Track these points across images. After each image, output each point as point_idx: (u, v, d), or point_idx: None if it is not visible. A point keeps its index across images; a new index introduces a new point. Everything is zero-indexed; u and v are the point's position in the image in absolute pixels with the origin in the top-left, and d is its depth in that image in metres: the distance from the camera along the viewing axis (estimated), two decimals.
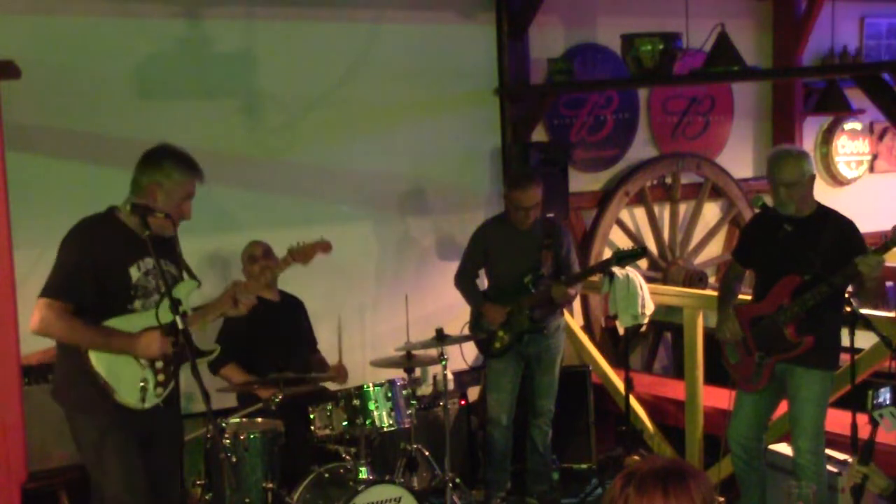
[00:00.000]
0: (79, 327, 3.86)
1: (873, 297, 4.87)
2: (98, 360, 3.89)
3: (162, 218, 3.93)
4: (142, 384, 3.94)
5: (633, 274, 6.04)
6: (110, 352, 3.89)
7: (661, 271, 7.60)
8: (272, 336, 5.42)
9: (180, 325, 3.71)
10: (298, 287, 5.72)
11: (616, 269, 5.98)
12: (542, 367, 5.82)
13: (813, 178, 4.74)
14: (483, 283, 6.05)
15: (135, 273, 3.99)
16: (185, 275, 4.15)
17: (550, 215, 6.01)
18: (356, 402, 4.93)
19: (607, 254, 7.31)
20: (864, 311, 4.62)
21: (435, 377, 6.30)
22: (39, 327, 3.87)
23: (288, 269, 4.61)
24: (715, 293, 5.43)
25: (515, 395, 5.85)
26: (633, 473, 2.25)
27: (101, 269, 3.91)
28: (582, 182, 7.30)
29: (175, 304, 3.73)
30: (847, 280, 4.57)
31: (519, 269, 5.70)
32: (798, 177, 4.69)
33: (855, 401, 4.37)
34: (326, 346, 5.88)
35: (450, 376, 5.78)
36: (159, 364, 4.00)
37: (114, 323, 3.92)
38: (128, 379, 3.93)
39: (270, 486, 4.75)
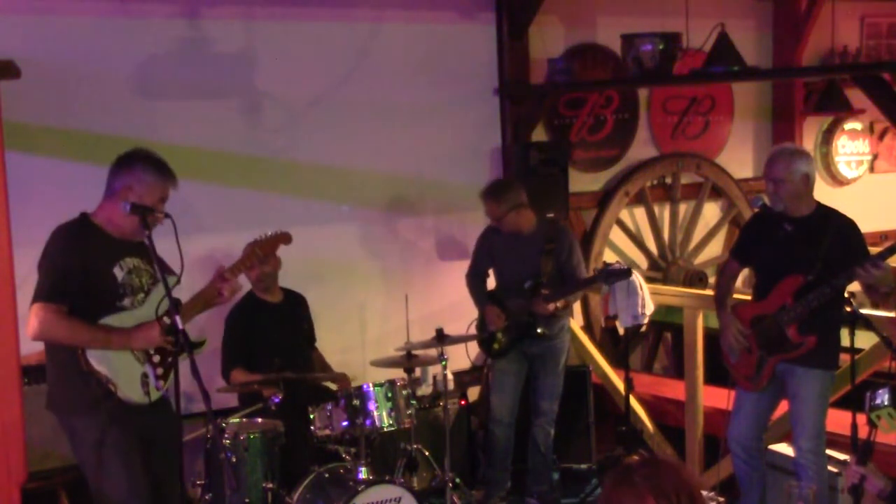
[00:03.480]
0: (78, 327, 3.88)
1: (884, 299, 4.85)
2: (98, 360, 3.90)
3: (161, 218, 3.94)
4: (143, 378, 3.96)
5: (633, 274, 6.03)
6: (110, 349, 3.91)
7: (661, 271, 7.60)
8: (273, 338, 5.42)
9: (180, 325, 3.73)
10: (298, 287, 5.73)
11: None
12: (545, 368, 5.80)
13: (806, 177, 4.69)
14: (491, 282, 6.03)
15: (119, 273, 4.03)
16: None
17: (551, 215, 6.00)
18: (356, 402, 4.93)
19: (607, 254, 7.33)
20: (864, 311, 4.62)
21: (435, 377, 6.30)
22: (39, 331, 3.88)
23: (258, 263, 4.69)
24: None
25: (518, 396, 5.85)
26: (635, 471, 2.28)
27: (88, 270, 3.95)
28: (582, 182, 7.30)
29: (174, 303, 3.76)
30: (850, 281, 4.57)
31: (521, 273, 5.67)
32: (785, 174, 4.67)
33: (855, 401, 4.38)
34: (327, 346, 5.89)
35: (450, 376, 5.78)
36: (157, 358, 4.03)
37: (107, 322, 3.95)
38: (129, 375, 3.96)
39: (270, 486, 4.75)
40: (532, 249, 5.66)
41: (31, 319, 3.88)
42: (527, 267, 5.65)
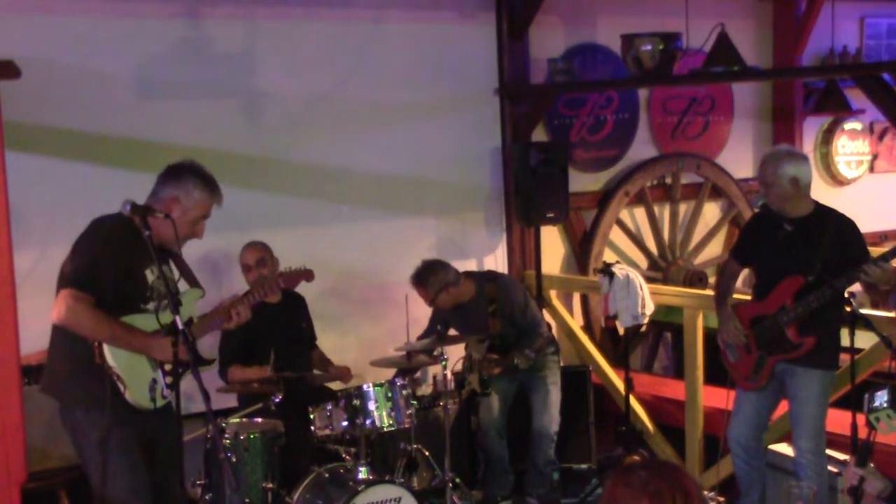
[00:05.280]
0: (104, 321, 3.85)
1: (884, 298, 4.87)
2: (114, 357, 3.88)
3: (161, 218, 3.93)
4: (151, 384, 3.96)
5: (633, 274, 6.04)
6: (129, 349, 3.90)
7: (661, 271, 7.60)
8: (272, 338, 5.42)
9: (180, 326, 3.71)
10: (298, 287, 5.71)
11: (616, 269, 5.99)
12: (532, 383, 5.88)
13: (795, 180, 4.68)
14: None
15: (149, 275, 4.02)
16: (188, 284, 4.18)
17: (490, 270, 6.12)
18: (356, 402, 4.94)
19: (607, 254, 7.33)
20: (864, 311, 4.62)
21: (435, 377, 6.30)
22: (65, 316, 3.84)
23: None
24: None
25: (508, 402, 5.89)
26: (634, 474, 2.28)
27: (122, 267, 3.93)
28: (582, 182, 7.30)
29: (175, 305, 3.74)
30: (851, 283, 4.57)
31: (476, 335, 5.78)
32: (772, 178, 4.70)
33: (855, 401, 4.38)
34: (327, 346, 5.89)
35: (450, 376, 5.78)
36: (168, 366, 4.00)
37: (130, 320, 3.93)
38: (139, 377, 3.95)
39: (270, 486, 4.76)
40: (478, 315, 5.77)
41: (58, 303, 3.84)
42: (479, 331, 5.75)
